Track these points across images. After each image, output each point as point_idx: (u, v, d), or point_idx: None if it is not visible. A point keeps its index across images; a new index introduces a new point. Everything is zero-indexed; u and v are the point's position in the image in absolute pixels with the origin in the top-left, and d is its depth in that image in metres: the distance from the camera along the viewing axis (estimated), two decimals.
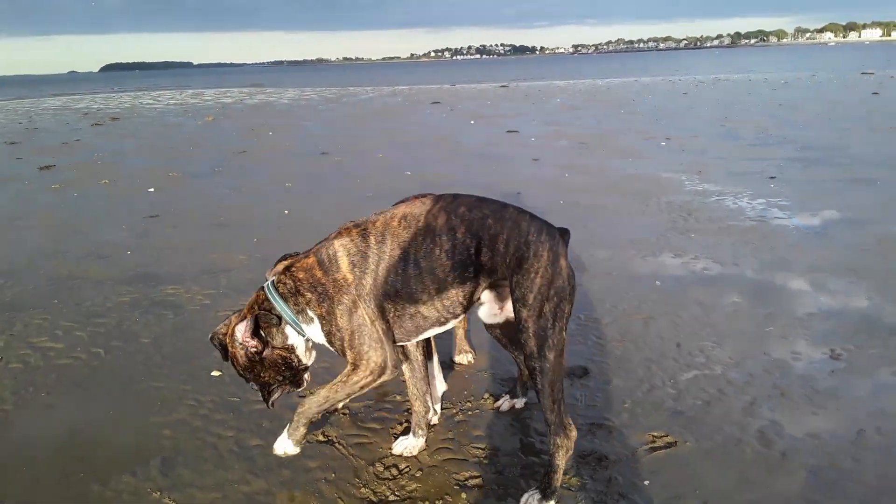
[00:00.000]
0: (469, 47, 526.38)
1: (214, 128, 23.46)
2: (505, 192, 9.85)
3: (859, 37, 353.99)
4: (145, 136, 21.09)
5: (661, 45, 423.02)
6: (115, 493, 3.40)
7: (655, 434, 3.78)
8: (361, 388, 3.21)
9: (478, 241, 3.13)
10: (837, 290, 5.87)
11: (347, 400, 3.36)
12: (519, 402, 4.11)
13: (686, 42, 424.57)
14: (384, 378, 3.20)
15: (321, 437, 3.86)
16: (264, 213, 9.64)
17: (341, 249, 3.18)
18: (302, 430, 3.35)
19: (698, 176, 11.09)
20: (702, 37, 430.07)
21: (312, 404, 3.27)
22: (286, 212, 9.64)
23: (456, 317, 3.31)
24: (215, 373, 4.67)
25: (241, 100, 41.34)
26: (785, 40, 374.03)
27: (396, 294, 3.15)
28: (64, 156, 16.81)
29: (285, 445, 3.38)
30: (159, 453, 3.73)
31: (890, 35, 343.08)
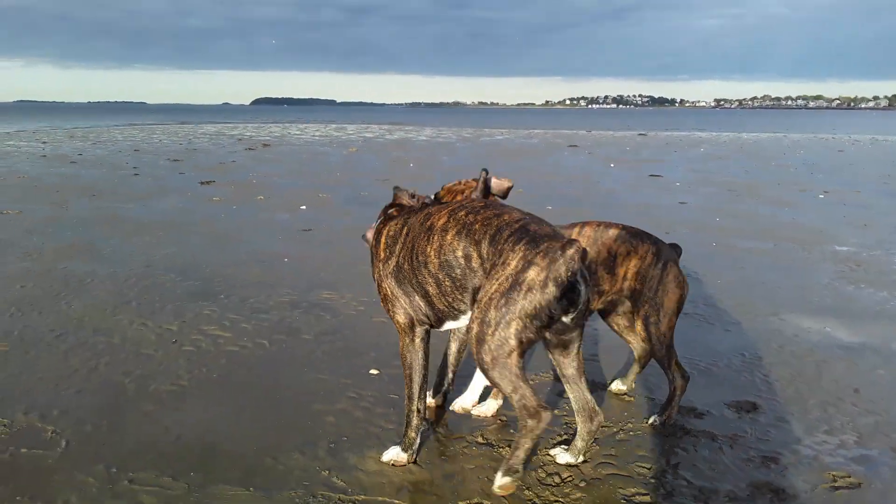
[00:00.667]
0: (605, 97, 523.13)
1: (358, 158, 24.37)
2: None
3: None
4: (295, 162, 22.18)
5: (811, 104, 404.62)
6: (286, 469, 3.51)
7: (836, 474, 3.52)
8: (405, 353, 3.56)
9: (464, 245, 3.17)
10: None
11: (418, 371, 3.55)
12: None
13: (838, 102, 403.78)
14: (416, 336, 3.53)
15: (480, 440, 3.85)
16: None
17: (387, 230, 3.65)
18: (411, 434, 3.56)
19: (863, 229, 10.43)
20: (856, 97, 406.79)
21: (405, 400, 3.60)
22: None
23: (465, 313, 3.34)
24: (373, 371, 4.76)
25: (381, 135, 42.86)
26: None
27: (409, 279, 3.44)
28: (221, 174, 17.94)
29: (394, 454, 3.60)
30: (325, 437, 3.83)
31: None
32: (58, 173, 17.74)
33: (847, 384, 4.64)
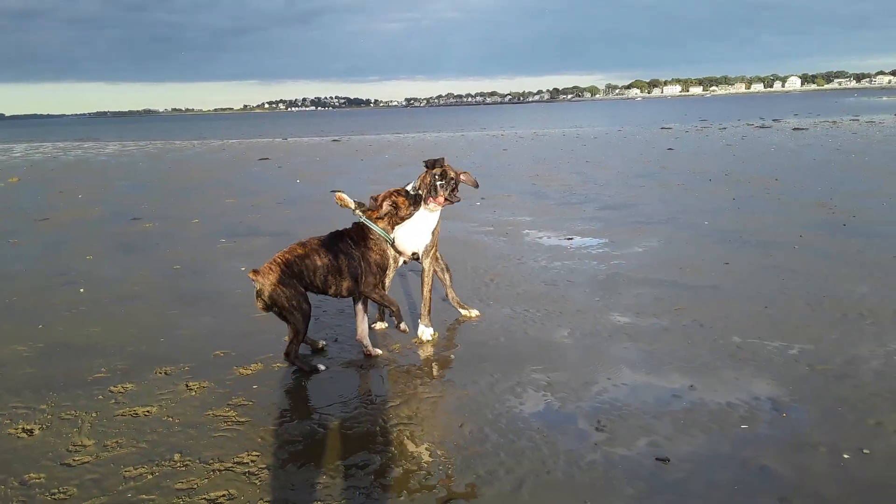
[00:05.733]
0: (304, 99, 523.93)
1: (19, 190, 21.94)
2: None
3: (662, 92, 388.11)
4: None
5: (488, 100, 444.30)
6: None
7: None
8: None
9: None
10: (619, 357, 6.34)
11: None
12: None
13: (510, 97, 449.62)
14: None
15: None
16: (58, 293, 9.05)
17: None
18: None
19: (505, 238, 11.66)
20: (524, 92, 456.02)
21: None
22: (81, 290, 9.13)
23: None
24: None
25: (54, 156, 39.05)
26: (598, 95, 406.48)
27: None
28: None
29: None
30: None
31: (687, 90, 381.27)
32: None
33: (455, 419, 5.14)
